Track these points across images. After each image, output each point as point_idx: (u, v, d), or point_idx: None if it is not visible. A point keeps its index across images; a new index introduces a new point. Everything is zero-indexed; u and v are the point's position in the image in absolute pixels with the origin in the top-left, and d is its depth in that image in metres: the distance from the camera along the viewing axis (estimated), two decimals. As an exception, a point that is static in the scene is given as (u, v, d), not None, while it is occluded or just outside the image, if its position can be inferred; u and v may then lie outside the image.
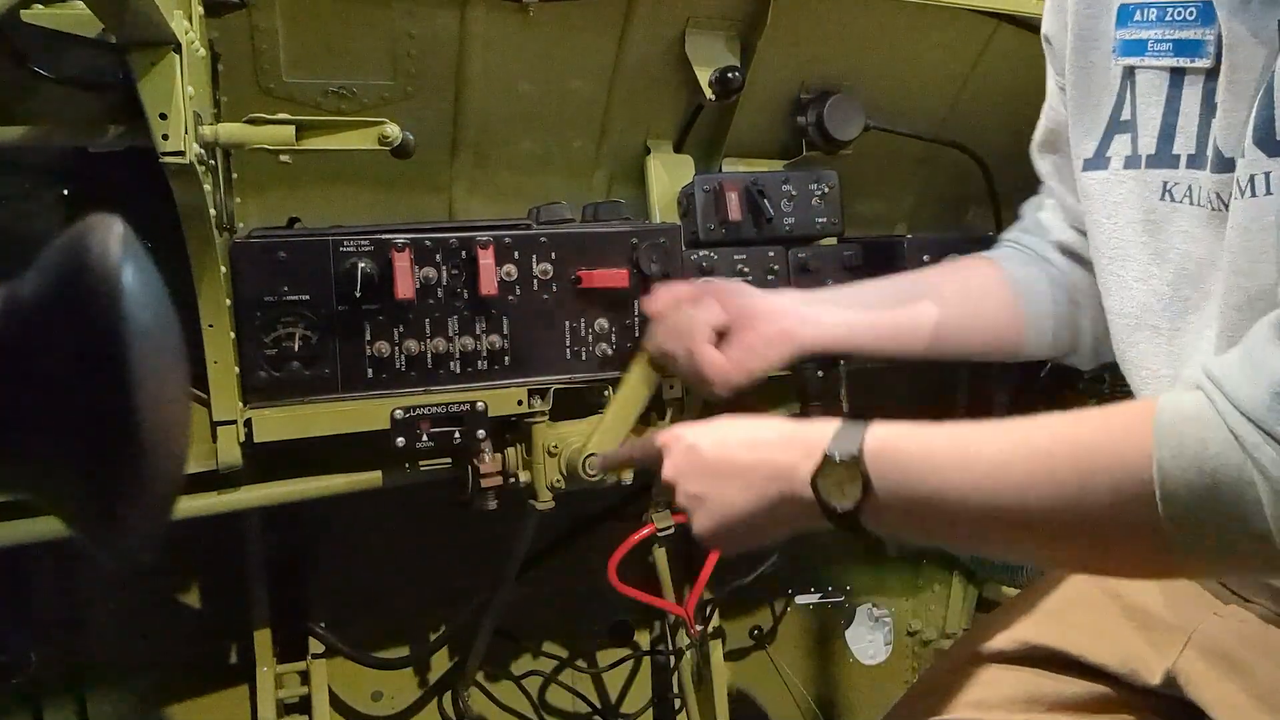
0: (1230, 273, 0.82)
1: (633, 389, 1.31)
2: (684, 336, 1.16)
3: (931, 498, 0.77)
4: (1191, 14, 0.87)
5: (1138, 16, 0.93)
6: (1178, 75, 0.89)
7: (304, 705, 1.56)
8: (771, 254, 1.43)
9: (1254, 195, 0.78)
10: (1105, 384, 1.75)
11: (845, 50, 1.50)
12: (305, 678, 1.56)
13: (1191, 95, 0.88)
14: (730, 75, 1.39)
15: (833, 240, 1.49)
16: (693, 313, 1.16)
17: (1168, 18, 0.90)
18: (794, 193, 1.43)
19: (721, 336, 1.16)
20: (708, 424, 0.93)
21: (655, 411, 1.42)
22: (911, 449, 0.79)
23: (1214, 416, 0.67)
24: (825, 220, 1.45)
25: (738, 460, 0.88)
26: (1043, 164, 1.19)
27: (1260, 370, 0.66)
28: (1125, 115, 0.96)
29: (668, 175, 1.50)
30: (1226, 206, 0.84)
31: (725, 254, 1.40)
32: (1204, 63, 0.86)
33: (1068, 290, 1.18)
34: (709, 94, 1.41)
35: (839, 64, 1.52)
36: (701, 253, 1.40)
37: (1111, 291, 1.00)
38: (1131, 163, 0.95)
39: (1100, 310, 1.07)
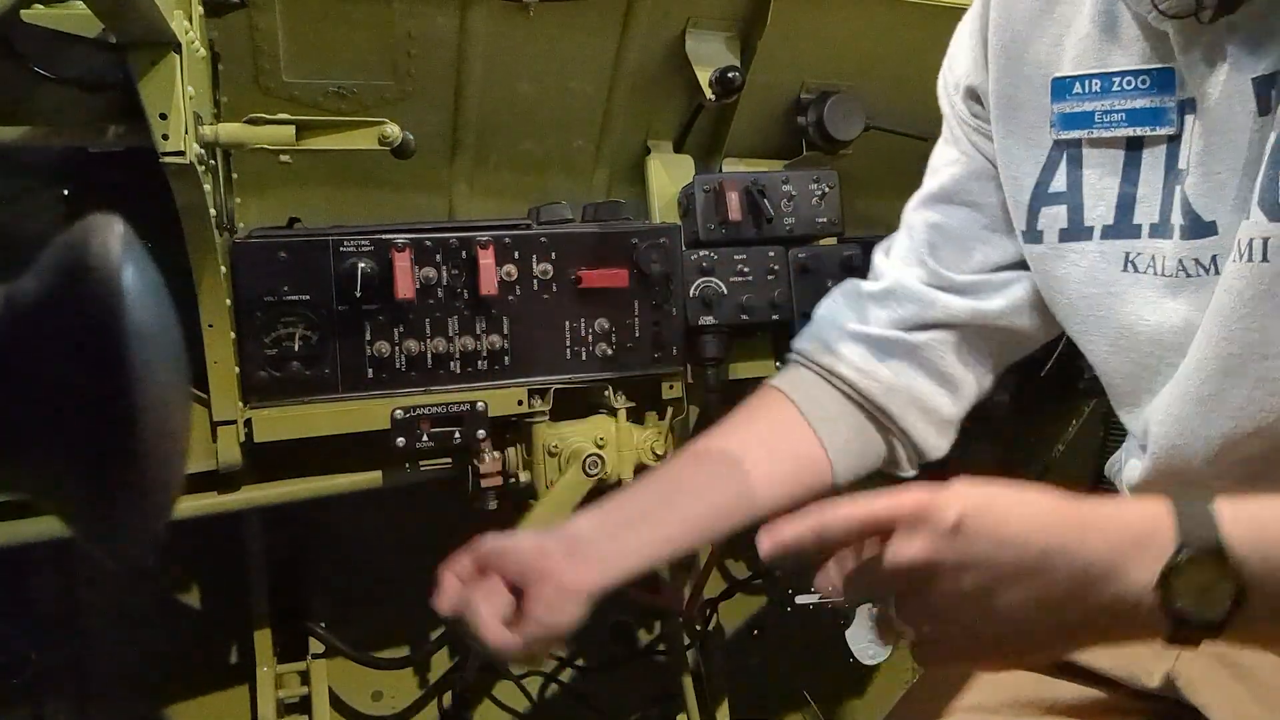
0: (1209, 338, 0.81)
1: (560, 497, 1.29)
2: (470, 630, 0.91)
3: None
4: (1145, 82, 0.85)
5: (1077, 89, 0.90)
6: (1134, 144, 0.88)
7: (304, 705, 1.55)
8: (771, 254, 1.43)
9: (1251, 260, 0.77)
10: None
11: (845, 50, 1.50)
12: (305, 678, 1.56)
13: (1152, 163, 0.86)
14: (730, 75, 1.39)
15: (833, 240, 1.49)
16: (475, 608, 0.91)
17: (1115, 88, 0.87)
18: (794, 193, 1.43)
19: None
20: (981, 490, 0.68)
21: (655, 411, 1.42)
22: None
23: None
24: (825, 220, 1.45)
25: (1035, 546, 0.65)
26: (929, 216, 1.09)
27: None
28: (1057, 188, 0.93)
29: (668, 175, 1.50)
30: (1198, 272, 0.83)
31: (725, 254, 1.40)
32: (1168, 130, 0.85)
33: (871, 400, 1.06)
34: (709, 94, 1.41)
35: (839, 64, 1.52)
36: (701, 253, 1.40)
37: (1093, 360, 0.98)
38: (1070, 235, 0.92)
39: (923, 413, 1.06)
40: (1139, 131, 0.87)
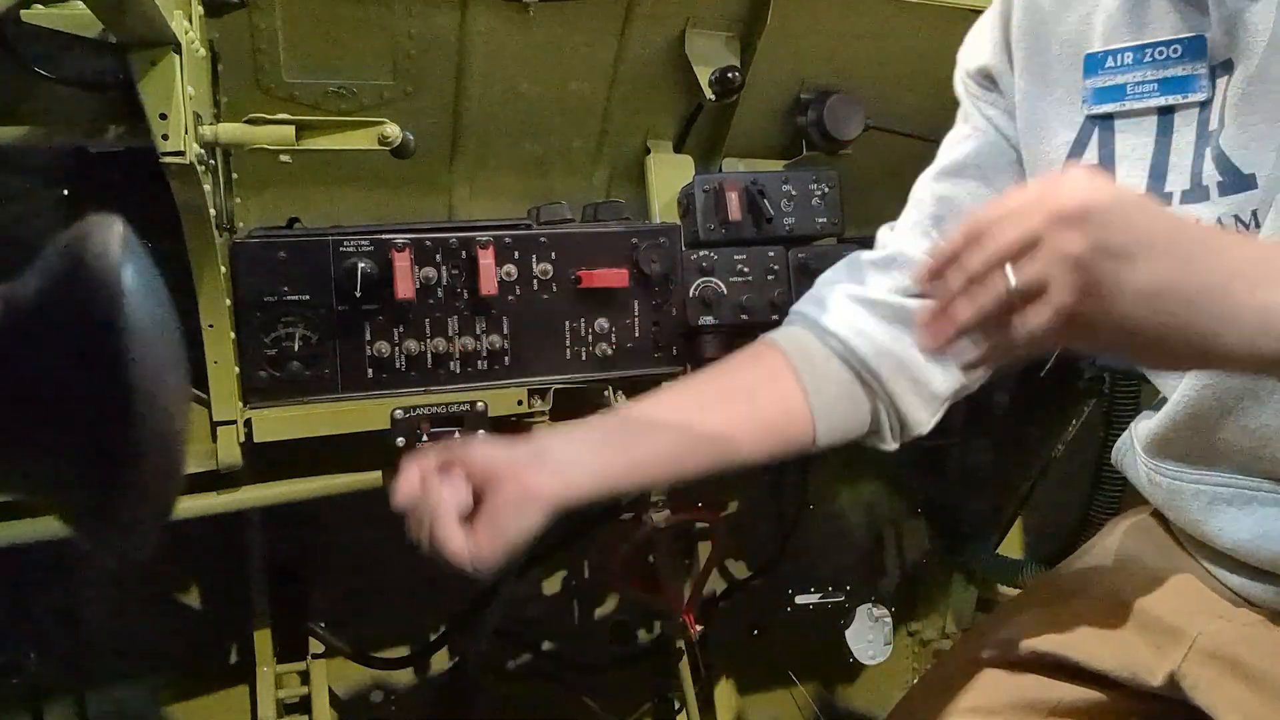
0: None
1: None
2: (426, 523, 0.91)
3: None
4: (1176, 51, 0.87)
5: (1110, 63, 0.92)
6: (1166, 113, 0.89)
7: (304, 705, 1.55)
8: (771, 254, 1.43)
9: None
10: (1105, 383, 1.76)
11: (845, 50, 1.50)
12: (305, 678, 1.56)
13: (1185, 130, 0.88)
14: (730, 75, 1.39)
15: (833, 240, 1.49)
16: (436, 495, 0.90)
17: (1147, 59, 0.89)
18: (794, 193, 1.43)
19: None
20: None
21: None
22: None
23: None
24: (825, 220, 1.45)
25: (1202, 238, 0.67)
26: (937, 188, 1.09)
27: None
28: (1089, 159, 0.95)
29: (668, 175, 1.50)
30: (1238, 229, 0.83)
31: (725, 254, 1.40)
32: (1199, 96, 0.86)
33: (863, 361, 1.06)
34: (709, 94, 1.41)
35: (839, 64, 1.52)
36: (701, 253, 1.40)
37: None
38: None
39: (913, 383, 1.03)
40: (1171, 100, 0.88)
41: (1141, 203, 0.68)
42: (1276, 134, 0.81)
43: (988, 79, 1.06)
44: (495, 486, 0.89)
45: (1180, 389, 0.92)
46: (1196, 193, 0.87)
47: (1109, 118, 0.93)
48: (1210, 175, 0.86)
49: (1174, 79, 0.88)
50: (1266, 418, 0.87)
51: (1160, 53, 0.88)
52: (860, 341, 1.05)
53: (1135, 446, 1.03)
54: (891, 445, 1.09)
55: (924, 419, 1.08)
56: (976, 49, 1.08)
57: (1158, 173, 0.90)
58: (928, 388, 1.07)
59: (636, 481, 1.02)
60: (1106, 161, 0.93)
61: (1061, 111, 0.97)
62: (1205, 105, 0.86)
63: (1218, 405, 0.89)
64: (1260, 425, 0.87)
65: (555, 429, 1.00)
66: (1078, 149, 0.95)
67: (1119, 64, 0.91)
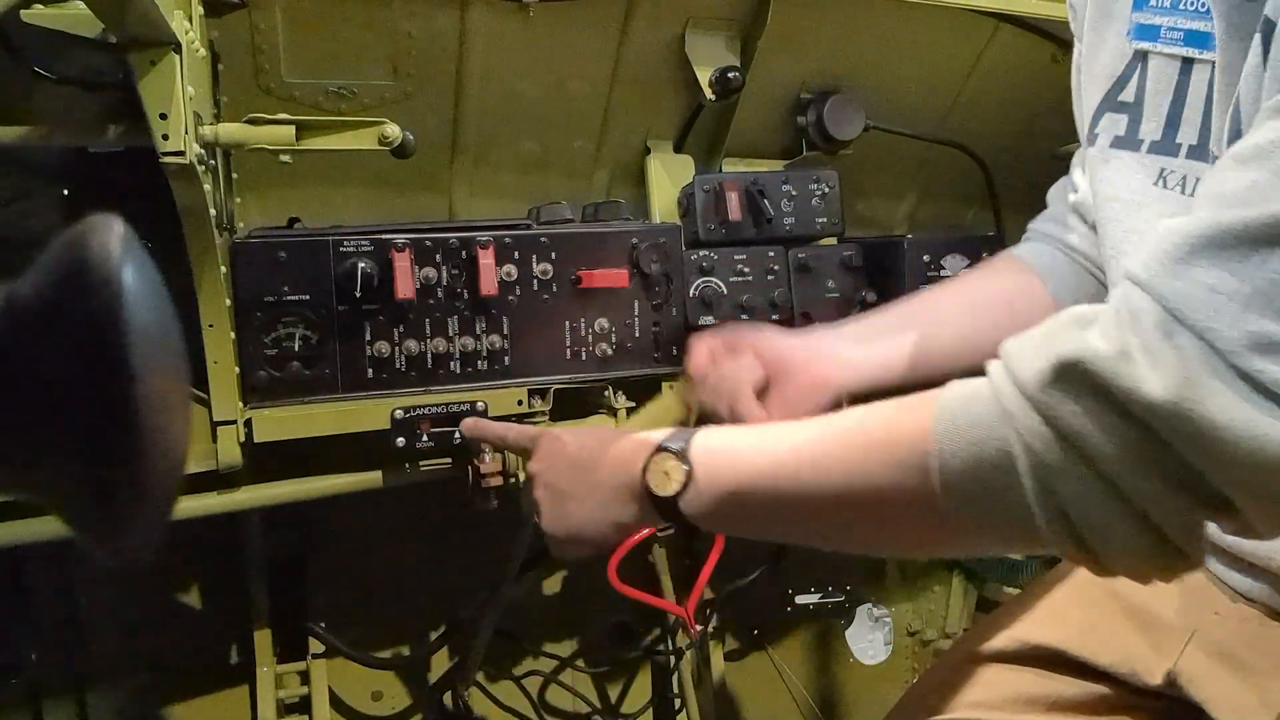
0: None
1: (655, 418, 1.28)
2: (727, 396, 1.11)
3: (742, 479, 0.79)
4: (1203, 6, 0.87)
5: (1153, 2, 0.92)
6: (1187, 64, 0.89)
7: (304, 705, 1.55)
8: (771, 254, 1.43)
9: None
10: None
11: (845, 50, 1.50)
12: (305, 678, 1.56)
13: (1199, 86, 0.88)
14: (730, 75, 1.39)
15: (833, 240, 1.49)
16: (734, 370, 1.12)
17: (1181, 6, 0.89)
18: (794, 193, 1.43)
19: (762, 387, 1.12)
20: (580, 426, 0.94)
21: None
22: (735, 438, 0.83)
23: (989, 390, 0.67)
24: (825, 220, 1.45)
25: (593, 454, 0.90)
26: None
27: (1048, 345, 0.65)
28: (1126, 96, 0.96)
29: (668, 175, 1.50)
30: None
31: (725, 254, 1.40)
32: (1211, 55, 0.86)
33: (1094, 270, 1.16)
34: (709, 94, 1.41)
35: (839, 64, 1.52)
36: (701, 253, 1.40)
37: (1110, 267, 1.01)
38: (1121, 143, 0.95)
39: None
40: (1191, 53, 0.88)
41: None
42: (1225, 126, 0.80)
43: (1073, 10, 1.07)
44: (787, 373, 1.05)
45: None
46: (1201, 151, 0.87)
47: (1146, 57, 0.94)
48: (1217, 141, 0.85)
49: (1196, 33, 0.88)
50: None
51: (1190, 3, 0.88)
52: (1095, 250, 1.12)
53: None
54: None
55: None
56: None
57: (1172, 121, 0.91)
58: None
59: (903, 375, 1.12)
60: (1138, 102, 0.95)
61: (1115, 43, 0.97)
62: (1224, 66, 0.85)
63: None
64: None
65: (830, 326, 1.15)
66: (1120, 82, 0.97)
67: (1159, 5, 0.92)
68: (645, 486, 0.84)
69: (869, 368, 1.10)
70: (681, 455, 0.82)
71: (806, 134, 1.54)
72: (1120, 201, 0.95)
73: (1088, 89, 1.01)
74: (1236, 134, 0.75)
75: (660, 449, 0.84)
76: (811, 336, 1.13)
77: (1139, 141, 0.93)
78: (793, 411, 1.05)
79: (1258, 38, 0.71)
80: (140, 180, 1.00)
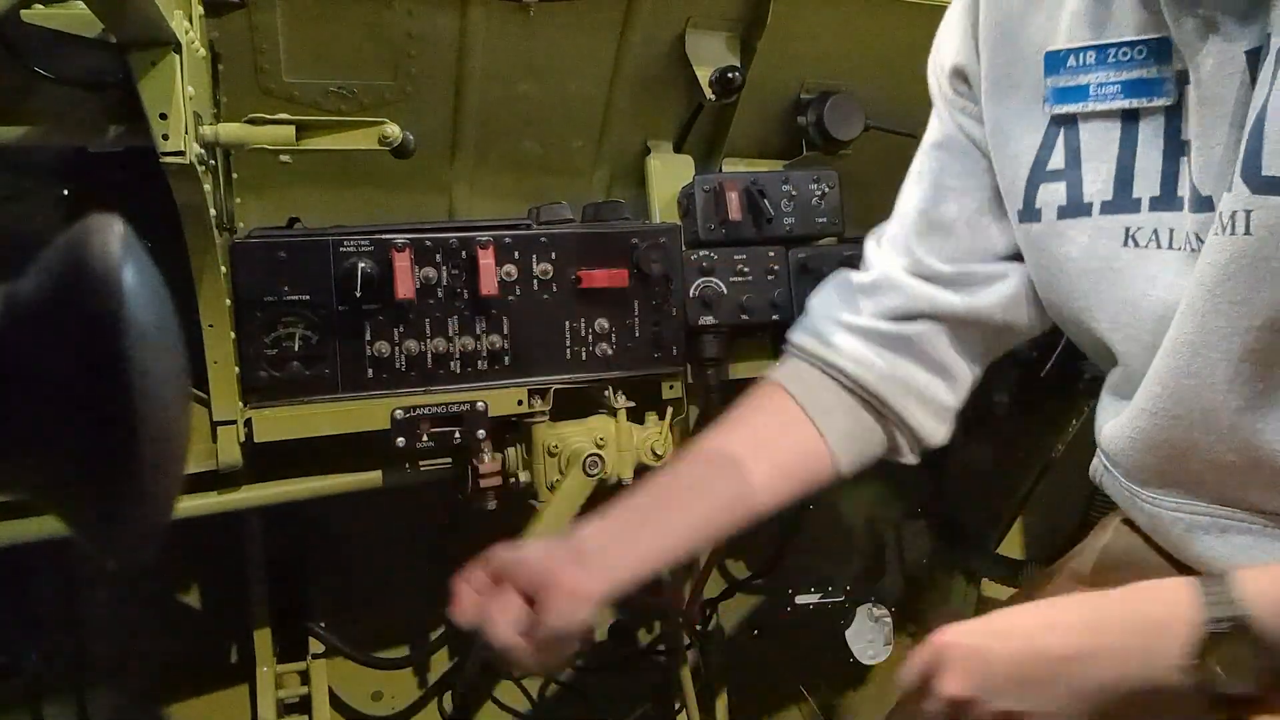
0: (1193, 311, 0.80)
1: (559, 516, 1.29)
2: (494, 643, 0.93)
3: None
4: (1141, 53, 0.84)
5: (1071, 62, 0.89)
6: (1130, 116, 0.87)
7: (304, 705, 1.56)
8: (771, 254, 1.43)
9: (1233, 233, 0.76)
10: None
11: (845, 50, 1.50)
12: (305, 678, 1.56)
13: (1151, 135, 0.85)
14: (730, 75, 1.39)
15: (833, 240, 1.49)
16: (493, 620, 0.92)
17: (1110, 59, 0.86)
18: (794, 193, 1.43)
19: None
20: (982, 622, 0.83)
21: (655, 411, 1.42)
22: None
23: None
24: (825, 220, 1.45)
25: (1055, 652, 0.77)
26: (916, 199, 1.08)
27: None
28: (1055, 165, 0.92)
29: (668, 175, 1.50)
30: (1198, 246, 0.81)
31: (725, 254, 1.40)
32: (1164, 101, 0.83)
33: (868, 390, 1.06)
34: (709, 94, 1.41)
35: (839, 64, 1.52)
36: (701, 253, 1.40)
37: (1085, 345, 0.98)
38: (1068, 213, 0.91)
39: (921, 402, 1.05)
40: (1135, 104, 0.86)
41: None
42: (1226, 158, 0.78)
43: (962, 80, 1.03)
44: (544, 594, 0.92)
45: (1135, 420, 0.90)
46: (1168, 201, 0.84)
47: (1073, 119, 0.90)
48: (1184, 189, 0.83)
49: (1137, 81, 0.85)
50: (1221, 453, 0.84)
51: (1124, 54, 0.85)
52: (862, 371, 1.05)
53: (1112, 470, 0.99)
54: (912, 459, 1.11)
55: (940, 430, 1.09)
56: (947, 44, 1.05)
57: (1124, 177, 0.87)
58: (936, 402, 1.07)
59: (673, 559, 1.04)
60: (1072, 164, 0.91)
61: (1027, 113, 0.94)
62: (1174, 110, 0.83)
63: (1174, 438, 0.87)
64: (1226, 461, 0.85)
65: (588, 522, 1.00)
66: (1044, 152, 0.93)
67: (1080, 63, 0.88)
68: (1204, 683, 0.69)
69: (623, 570, 0.96)
70: (1242, 630, 0.68)
71: (806, 134, 1.53)
72: (1090, 273, 0.91)
73: (1008, 170, 0.97)
74: (1255, 154, 0.73)
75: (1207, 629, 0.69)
76: (571, 541, 0.97)
77: (1087, 205, 0.90)
78: (559, 638, 0.91)
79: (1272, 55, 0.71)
80: (140, 180, 1.00)
